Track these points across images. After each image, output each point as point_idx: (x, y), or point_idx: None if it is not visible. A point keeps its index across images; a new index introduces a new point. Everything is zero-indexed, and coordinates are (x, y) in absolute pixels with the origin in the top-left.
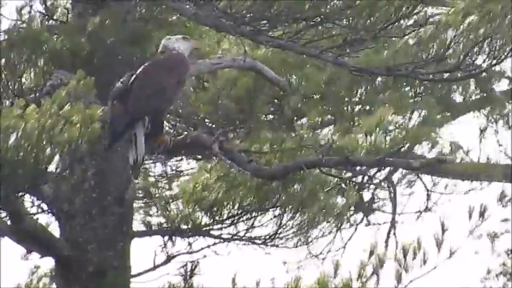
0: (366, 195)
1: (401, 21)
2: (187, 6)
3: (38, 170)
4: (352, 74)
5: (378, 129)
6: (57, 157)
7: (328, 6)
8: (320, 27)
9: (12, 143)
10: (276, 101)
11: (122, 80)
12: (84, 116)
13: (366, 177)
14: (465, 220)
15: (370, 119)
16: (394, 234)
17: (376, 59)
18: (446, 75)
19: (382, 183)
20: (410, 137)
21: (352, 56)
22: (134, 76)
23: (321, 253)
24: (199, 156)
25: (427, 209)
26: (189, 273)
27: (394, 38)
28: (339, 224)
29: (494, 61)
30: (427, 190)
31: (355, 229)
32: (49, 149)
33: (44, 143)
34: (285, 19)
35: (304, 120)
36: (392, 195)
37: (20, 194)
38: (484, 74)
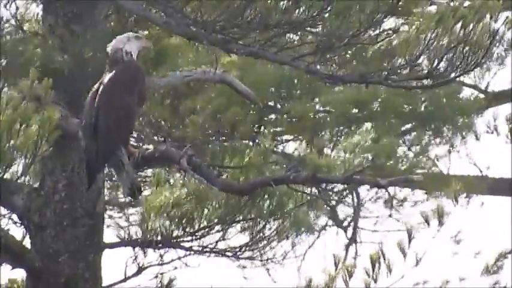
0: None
1: (374, 28)
2: (158, 15)
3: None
4: (325, 82)
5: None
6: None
7: (299, 13)
8: (292, 35)
9: None
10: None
11: (85, 108)
12: (42, 117)
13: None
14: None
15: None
16: (355, 241)
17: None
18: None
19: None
20: (376, 153)
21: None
22: (96, 105)
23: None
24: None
25: (390, 216)
26: (165, 285)
27: (366, 45)
28: (309, 235)
29: (467, 68)
30: (390, 196)
31: (317, 236)
32: (8, 152)
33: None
34: (256, 26)
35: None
36: (355, 202)
37: None
38: (457, 80)
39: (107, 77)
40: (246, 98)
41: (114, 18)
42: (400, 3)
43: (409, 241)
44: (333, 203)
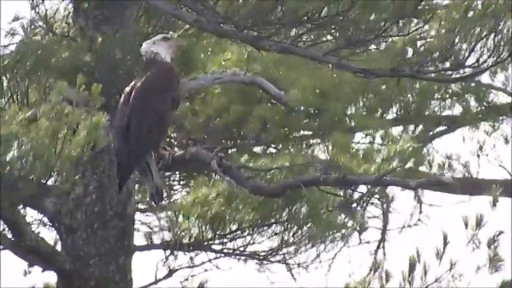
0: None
1: (404, 20)
2: (189, 14)
3: (38, 182)
4: (356, 76)
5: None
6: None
7: (330, 8)
8: (322, 30)
9: (14, 153)
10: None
11: (118, 109)
12: (88, 124)
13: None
14: (460, 231)
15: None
16: (383, 247)
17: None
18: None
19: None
20: (405, 155)
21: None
22: (129, 108)
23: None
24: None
25: (419, 220)
26: None
27: (396, 38)
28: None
29: (499, 59)
30: (419, 202)
31: (346, 241)
32: (54, 158)
33: (48, 151)
34: (287, 22)
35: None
36: (384, 208)
37: (21, 207)
38: (488, 71)
39: (140, 80)
40: (277, 100)
41: (144, 19)
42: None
43: (444, 245)
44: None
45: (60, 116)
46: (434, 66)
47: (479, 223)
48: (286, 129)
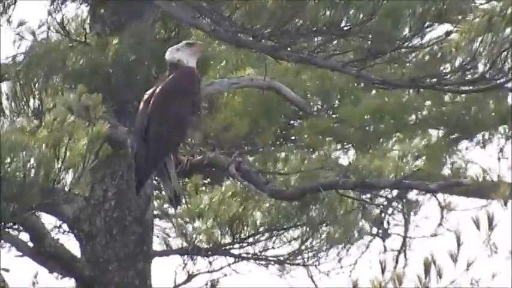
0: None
1: (423, 32)
2: (206, 23)
3: (47, 187)
4: (375, 87)
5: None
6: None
7: (348, 19)
8: (341, 40)
9: (20, 160)
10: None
11: (138, 112)
12: (90, 133)
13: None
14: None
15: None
16: (405, 251)
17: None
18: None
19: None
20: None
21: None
22: (148, 111)
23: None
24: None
25: (440, 225)
26: None
27: (416, 50)
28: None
29: None
30: (441, 207)
31: (367, 247)
32: (57, 166)
33: (51, 159)
34: (305, 33)
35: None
36: (405, 212)
37: (35, 211)
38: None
39: (161, 84)
40: (295, 105)
41: (161, 25)
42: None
43: (458, 246)
44: (382, 209)
45: (62, 125)
46: (454, 77)
47: (490, 224)
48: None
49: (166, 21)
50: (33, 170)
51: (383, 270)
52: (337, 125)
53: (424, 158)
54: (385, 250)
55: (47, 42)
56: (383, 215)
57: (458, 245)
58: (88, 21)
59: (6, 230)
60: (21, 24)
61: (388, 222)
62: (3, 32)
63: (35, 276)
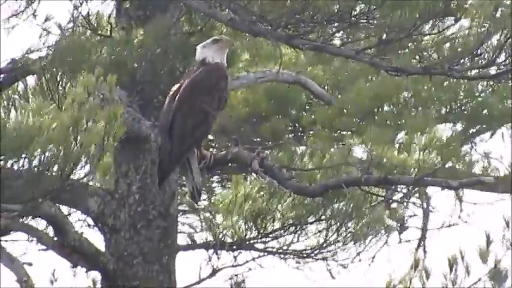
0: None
1: (434, 20)
2: (223, 12)
3: (65, 171)
4: (389, 74)
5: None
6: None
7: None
8: (355, 29)
9: (38, 143)
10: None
11: (164, 106)
12: (106, 114)
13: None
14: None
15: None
16: (424, 245)
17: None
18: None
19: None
20: (445, 154)
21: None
22: (174, 106)
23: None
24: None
25: (459, 218)
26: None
27: (428, 36)
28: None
29: None
30: (460, 200)
31: (385, 241)
32: (75, 148)
33: (70, 141)
34: (320, 21)
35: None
36: (425, 207)
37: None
38: None
39: (188, 79)
40: (320, 98)
41: (186, 19)
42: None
43: (487, 244)
44: (403, 204)
45: (81, 107)
46: (465, 64)
47: None
48: (327, 129)
49: (191, 15)
50: (51, 153)
51: (416, 266)
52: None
53: (442, 152)
54: (400, 241)
55: (73, 36)
56: (402, 208)
57: (488, 243)
58: (114, 15)
59: (31, 222)
60: (47, 19)
61: (403, 216)
62: (29, 27)
63: (53, 274)
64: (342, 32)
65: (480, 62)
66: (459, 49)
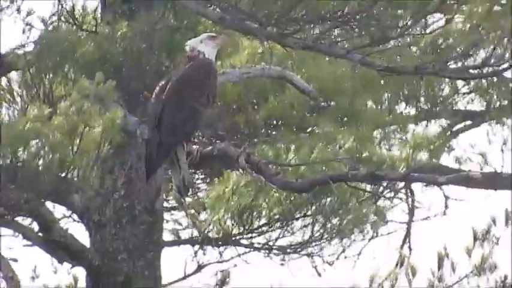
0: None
1: (427, 18)
2: (213, 11)
3: (60, 176)
4: (380, 74)
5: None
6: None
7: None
8: (346, 28)
9: (33, 148)
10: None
11: (152, 99)
12: (104, 120)
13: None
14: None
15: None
16: (409, 242)
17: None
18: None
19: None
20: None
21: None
22: (163, 99)
23: (334, 261)
24: None
25: (444, 214)
26: (219, 282)
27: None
28: (374, 233)
29: None
30: (445, 196)
31: (371, 237)
32: (71, 153)
33: (65, 147)
34: (311, 20)
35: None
36: (410, 203)
37: (45, 200)
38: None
39: (178, 72)
40: (306, 94)
41: (172, 15)
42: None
43: (474, 241)
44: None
45: (78, 112)
46: (456, 64)
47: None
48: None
49: (177, 11)
50: (47, 158)
51: (401, 264)
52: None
53: (429, 148)
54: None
55: (57, 31)
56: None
57: (475, 239)
58: (99, 10)
59: (16, 218)
60: (29, 13)
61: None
62: (12, 22)
63: (34, 271)
64: (332, 30)
65: (474, 61)
66: (451, 49)
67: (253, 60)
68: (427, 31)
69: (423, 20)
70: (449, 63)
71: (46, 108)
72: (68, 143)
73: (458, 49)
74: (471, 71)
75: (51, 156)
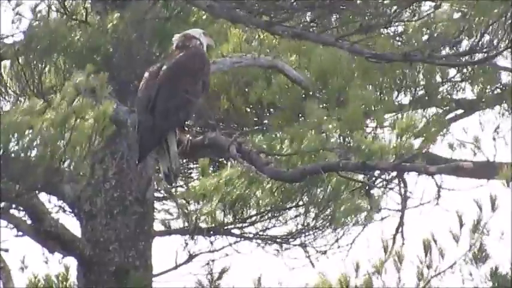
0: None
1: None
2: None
3: (52, 167)
4: (369, 61)
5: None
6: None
7: None
8: (335, 16)
9: (25, 141)
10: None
11: (142, 84)
12: (96, 112)
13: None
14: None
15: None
16: (402, 231)
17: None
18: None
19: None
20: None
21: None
22: (157, 84)
23: (327, 250)
24: None
25: (437, 204)
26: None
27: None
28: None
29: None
30: (438, 186)
31: (364, 226)
32: (62, 146)
33: (57, 139)
34: (300, 7)
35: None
36: (403, 192)
37: (37, 192)
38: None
39: (173, 58)
40: (297, 83)
41: (163, 4)
42: None
43: (460, 227)
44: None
45: (69, 105)
46: (446, 51)
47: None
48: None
49: (167, 1)
50: (38, 150)
51: (385, 250)
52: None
53: (421, 137)
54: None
55: (47, 21)
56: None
57: (461, 225)
58: (89, 0)
59: (8, 210)
60: (18, 4)
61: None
62: (2, 11)
63: (23, 261)
64: (321, 18)
65: (464, 48)
66: (440, 36)
67: (239, 49)
68: (417, 18)
69: (411, 6)
70: (438, 50)
71: (38, 101)
72: (59, 136)
73: (447, 36)
74: (461, 58)
75: (43, 148)
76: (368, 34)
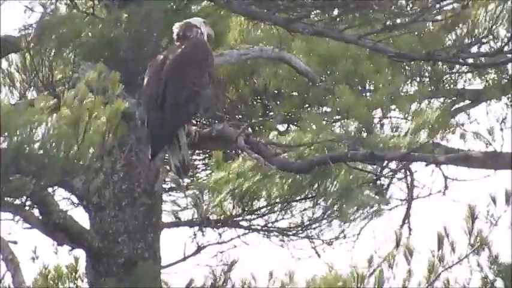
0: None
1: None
2: None
3: (67, 165)
4: (392, 60)
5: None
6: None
7: None
8: (358, 14)
9: (39, 138)
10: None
11: (146, 78)
12: (108, 111)
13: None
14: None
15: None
16: (409, 222)
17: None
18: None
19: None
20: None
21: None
22: (164, 78)
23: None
24: None
25: (444, 194)
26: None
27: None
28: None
29: None
30: (445, 177)
31: (370, 218)
32: (76, 144)
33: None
34: (321, 5)
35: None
36: (409, 183)
37: (52, 187)
38: None
39: (176, 51)
40: (304, 75)
41: None
42: None
43: (472, 221)
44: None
45: (81, 103)
46: (470, 51)
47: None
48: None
49: None
50: (53, 149)
51: (397, 243)
52: None
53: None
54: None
55: (57, 14)
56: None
57: (473, 219)
58: None
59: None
60: None
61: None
62: (12, 5)
63: (34, 251)
64: (343, 16)
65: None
66: (465, 36)
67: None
68: (442, 18)
69: (437, 5)
70: (463, 50)
71: (51, 98)
72: (73, 135)
73: (473, 36)
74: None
75: (57, 147)
76: (392, 33)
